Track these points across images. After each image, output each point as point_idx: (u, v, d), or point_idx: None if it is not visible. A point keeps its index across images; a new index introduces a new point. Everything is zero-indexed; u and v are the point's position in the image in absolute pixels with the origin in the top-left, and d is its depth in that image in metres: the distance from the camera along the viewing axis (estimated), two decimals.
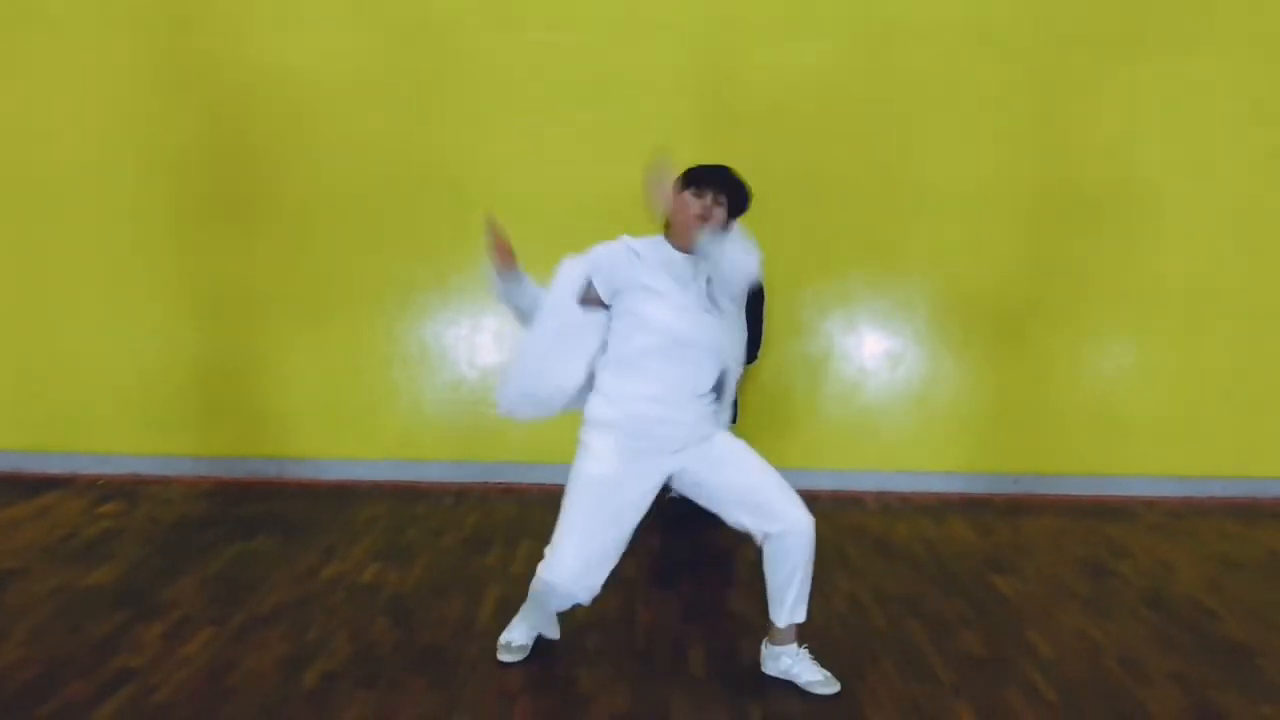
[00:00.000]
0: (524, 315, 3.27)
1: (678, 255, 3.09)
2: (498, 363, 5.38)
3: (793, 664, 3.22)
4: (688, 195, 3.04)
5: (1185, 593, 4.09)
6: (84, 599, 3.72)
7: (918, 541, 4.67)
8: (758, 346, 4.95)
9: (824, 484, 5.43)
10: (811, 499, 5.20)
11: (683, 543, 4.53)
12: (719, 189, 3.05)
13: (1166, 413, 5.44)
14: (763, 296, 4.96)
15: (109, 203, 5.25)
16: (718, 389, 3.19)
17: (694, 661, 3.34)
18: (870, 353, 5.43)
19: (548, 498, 5.13)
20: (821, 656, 3.35)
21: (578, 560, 3.04)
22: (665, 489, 4.60)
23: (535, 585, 3.13)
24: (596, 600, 3.75)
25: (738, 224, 3.08)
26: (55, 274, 5.30)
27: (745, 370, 4.96)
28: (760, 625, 3.61)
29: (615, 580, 4.01)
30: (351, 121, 5.22)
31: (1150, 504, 5.35)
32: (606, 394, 3.11)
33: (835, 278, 5.39)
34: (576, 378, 3.17)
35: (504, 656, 3.31)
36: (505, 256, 3.21)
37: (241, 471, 5.38)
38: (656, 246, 3.11)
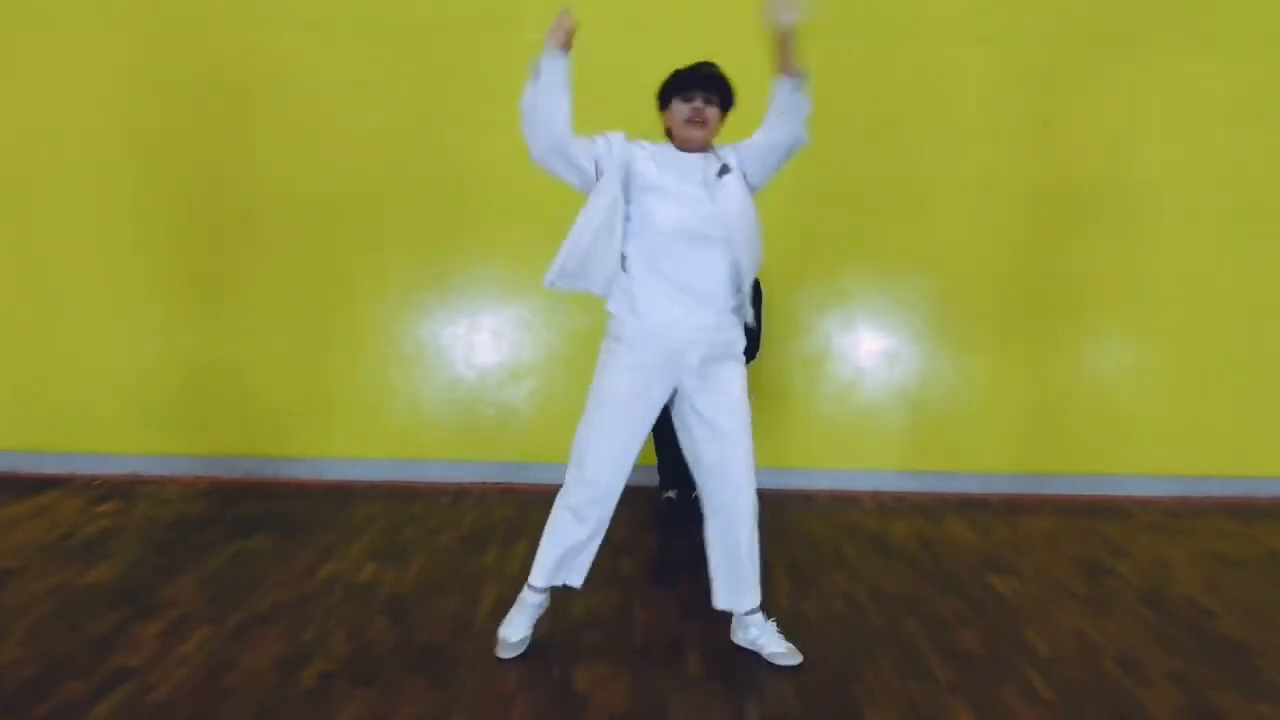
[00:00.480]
0: (548, 96, 3.25)
1: (685, 156, 3.17)
2: (495, 362, 5.39)
3: (759, 634, 3.32)
4: (675, 102, 3.16)
5: (1183, 592, 4.09)
6: (82, 598, 3.72)
7: (915, 541, 4.67)
8: (757, 346, 4.95)
9: (821, 483, 5.43)
10: (808, 499, 5.26)
11: (681, 541, 4.53)
12: (701, 88, 3.14)
13: (1164, 412, 5.45)
14: (761, 296, 4.96)
15: (108, 203, 5.25)
16: (738, 296, 3.22)
17: (692, 661, 3.34)
18: (867, 352, 5.43)
19: (545, 497, 5.12)
20: (818, 655, 3.36)
21: (603, 471, 3.23)
22: (661, 489, 4.60)
23: (556, 517, 3.33)
24: (594, 598, 3.78)
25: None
26: (54, 273, 5.30)
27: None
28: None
29: (613, 579, 4.04)
30: (349, 121, 5.22)
31: (1148, 503, 5.36)
32: (624, 300, 3.20)
33: (832, 277, 5.40)
34: (614, 262, 3.19)
35: (503, 653, 3.32)
36: (568, 36, 3.21)
37: (239, 471, 5.38)
38: (662, 150, 3.20)
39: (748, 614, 3.35)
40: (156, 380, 5.37)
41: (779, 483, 5.40)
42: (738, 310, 3.25)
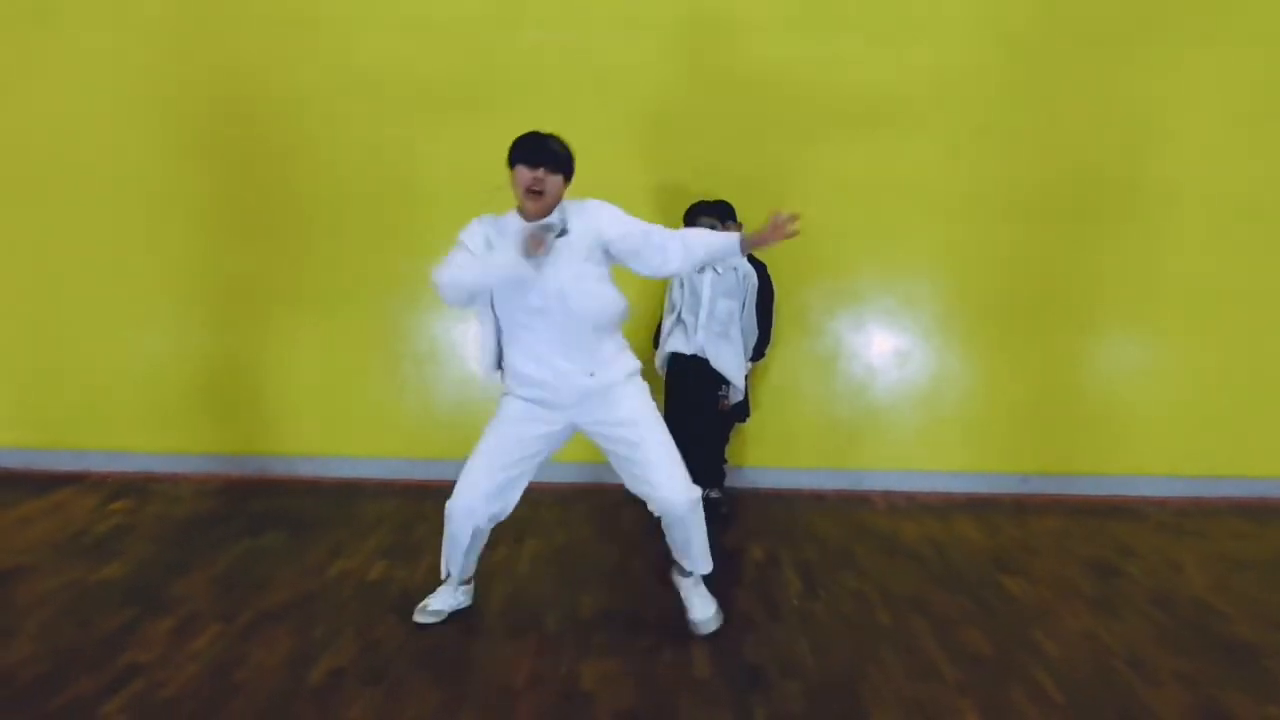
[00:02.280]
0: (488, 284, 3.45)
1: (521, 222, 3.36)
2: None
3: (689, 594, 3.55)
4: (519, 168, 3.32)
5: (1193, 593, 4.07)
6: (94, 595, 3.75)
7: (924, 541, 4.66)
8: (766, 344, 4.96)
9: (831, 483, 5.43)
10: (819, 498, 5.25)
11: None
12: (540, 159, 3.29)
13: (1175, 412, 5.42)
14: (772, 295, 4.96)
15: (121, 203, 5.28)
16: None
17: (699, 660, 3.35)
18: (878, 351, 5.42)
19: (554, 496, 5.16)
20: (826, 653, 3.37)
21: (477, 489, 3.49)
22: None
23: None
24: (602, 597, 3.78)
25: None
26: (68, 273, 5.34)
27: (753, 368, 4.99)
28: (764, 623, 3.63)
29: (622, 578, 4.05)
30: (362, 121, 5.24)
31: (1159, 504, 5.33)
32: (505, 365, 3.52)
33: (843, 276, 5.39)
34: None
35: (420, 618, 3.54)
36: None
37: (250, 469, 5.40)
38: (507, 222, 3.40)
39: (683, 575, 3.57)
40: (169, 379, 5.39)
41: (789, 482, 5.40)
42: (609, 366, 3.43)
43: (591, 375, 3.38)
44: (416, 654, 3.33)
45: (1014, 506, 5.25)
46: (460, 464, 5.35)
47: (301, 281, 5.34)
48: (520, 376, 3.45)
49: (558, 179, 3.33)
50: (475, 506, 3.48)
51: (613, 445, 3.46)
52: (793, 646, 3.46)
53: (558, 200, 3.36)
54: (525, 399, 3.47)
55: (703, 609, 3.55)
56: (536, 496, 5.13)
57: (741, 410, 4.99)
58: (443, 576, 3.64)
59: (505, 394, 3.56)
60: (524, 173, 3.30)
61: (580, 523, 4.78)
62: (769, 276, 4.96)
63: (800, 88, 5.22)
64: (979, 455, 5.46)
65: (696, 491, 3.44)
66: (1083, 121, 5.25)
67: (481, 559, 4.23)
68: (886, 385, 5.44)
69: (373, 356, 5.40)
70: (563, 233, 3.31)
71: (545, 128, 5.14)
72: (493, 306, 3.43)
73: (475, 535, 3.55)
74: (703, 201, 4.69)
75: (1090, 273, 5.34)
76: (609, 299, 3.39)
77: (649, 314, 5.01)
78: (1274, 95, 5.26)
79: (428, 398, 5.43)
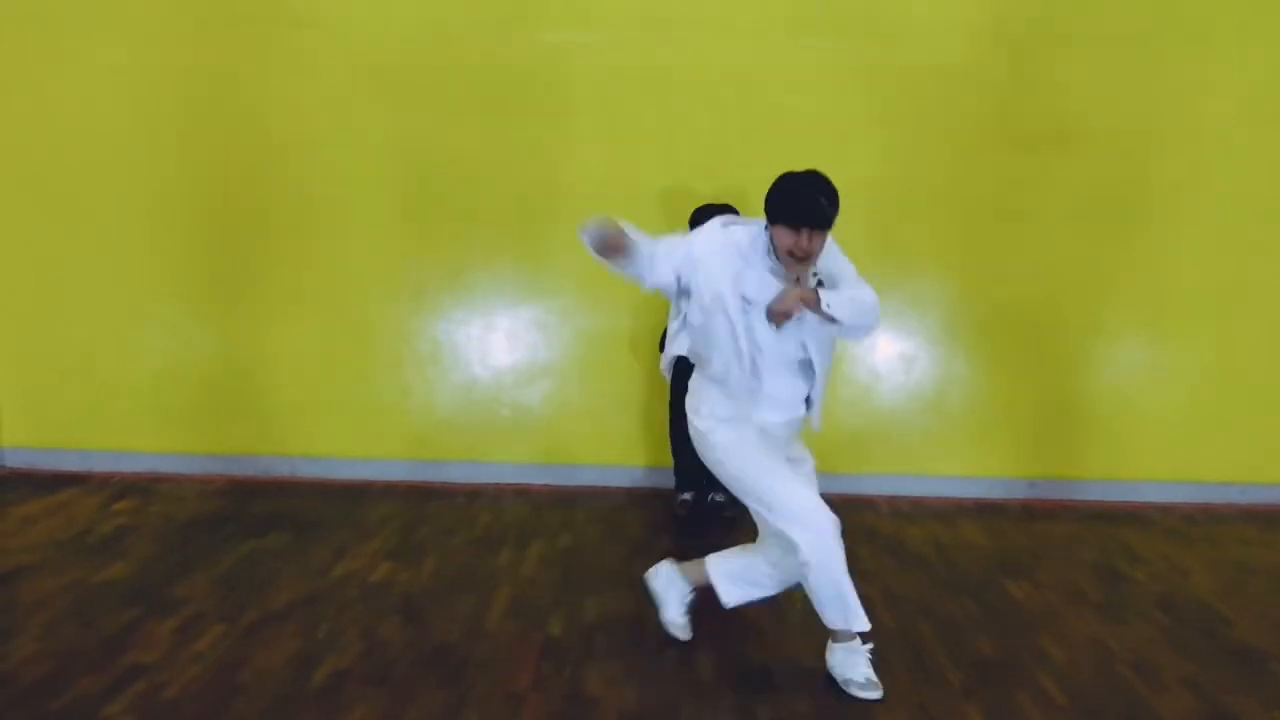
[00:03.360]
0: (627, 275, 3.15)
1: (778, 268, 3.11)
2: (511, 363, 5.39)
3: (841, 661, 3.22)
4: (782, 230, 3.04)
5: (1200, 599, 4.06)
6: (97, 595, 3.74)
7: (930, 545, 4.65)
8: None
9: (836, 487, 5.38)
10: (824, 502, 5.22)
11: (696, 544, 4.51)
12: (808, 222, 3.02)
13: (1184, 417, 5.40)
14: None
15: (125, 204, 5.28)
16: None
17: (703, 663, 3.34)
18: (883, 355, 5.41)
19: (558, 499, 5.16)
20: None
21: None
22: (677, 490, 4.57)
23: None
24: (608, 601, 3.78)
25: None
26: (72, 273, 5.34)
27: None
28: (769, 627, 3.62)
29: (627, 582, 4.03)
30: (367, 122, 5.23)
31: (1166, 509, 5.31)
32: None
33: None
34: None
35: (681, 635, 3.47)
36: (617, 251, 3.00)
37: (254, 470, 5.40)
38: (755, 250, 3.13)
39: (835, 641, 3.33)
40: (173, 379, 5.40)
41: None
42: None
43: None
44: (420, 656, 3.32)
45: (1020, 511, 5.23)
46: (464, 466, 5.40)
47: (306, 283, 5.33)
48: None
49: (823, 236, 3.06)
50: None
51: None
52: (798, 650, 3.45)
53: (819, 256, 3.11)
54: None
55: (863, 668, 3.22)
56: (541, 500, 5.15)
57: None
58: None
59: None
60: (786, 236, 3.02)
61: (585, 526, 4.77)
62: None
63: (805, 88, 5.21)
64: (985, 459, 5.44)
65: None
66: (1092, 123, 5.23)
67: (485, 563, 4.24)
68: (892, 389, 5.43)
69: (377, 358, 5.40)
70: (819, 284, 3.12)
71: (559, 127, 5.22)
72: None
73: None
74: (710, 205, 4.68)
75: (1097, 277, 5.32)
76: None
77: (656, 317, 5.00)
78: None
79: (431, 400, 5.43)
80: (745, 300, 3.07)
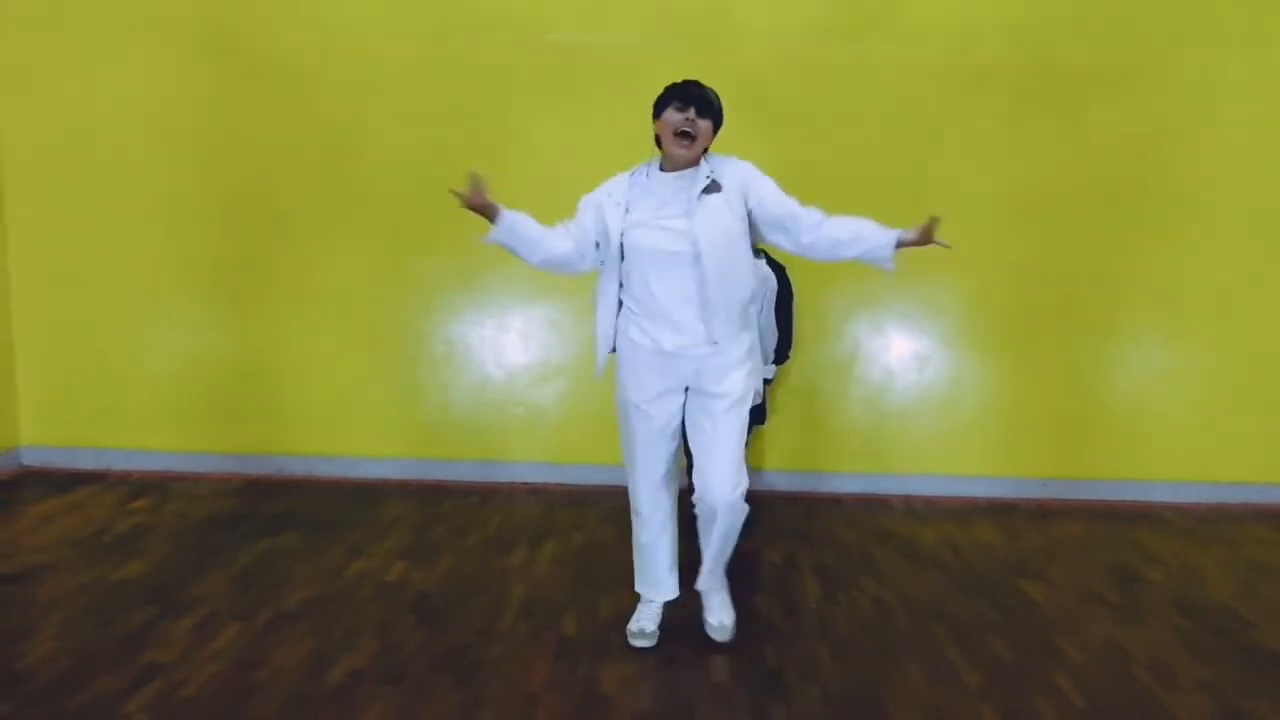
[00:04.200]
0: (527, 251, 3.54)
1: (666, 177, 3.27)
2: (524, 363, 5.40)
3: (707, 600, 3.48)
4: (668, 112, 3.22)
5: (1217, 600, 4.04)
6: (114, 594, 3.76)
7: (944, 545, 4.63)
8: (789, 347, 4.93)
9: (850, 487, 5.41)
10: (837, 502, 5.23)
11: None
12: (691, 102, 3.19)
13: (1199, 416, 5.37)
14: (791, 298, 4.94)
15: (141, 204, 5.31)
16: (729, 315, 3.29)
17: (717, 663, 3.34)
18: (897, 355, 5.40)
19: (572, 498, 5.16)
20: (846, 659, 3.35)
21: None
22: (692, 491, 4.49)
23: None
24: (621, 601, 3.78)
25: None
26: (88, 273, 5.37)
27: (777, 371, 4.97)
28: (783, 628, 3.61)
29: None
30: (380, 123, 5.25)
31: (1182, 509, 5.28)
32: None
33: (862, 280, 5.36)
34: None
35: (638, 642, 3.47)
36: (481, 208, 3.47)
37: (269, 469, 5.42)
38: (639, 178, 3.34)
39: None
40: (189, 379, 5.42)
41: (807, 486, 5.38)
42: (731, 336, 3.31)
43: (715, 343, 3.26)
44: (435, 655, 3.32)
45: (1035, 511, 5.22)
46: (478, 465, 5.41)
47: (321, 284, 5.35)
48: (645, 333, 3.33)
49: (707, 123, 3.21)
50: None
51: (692, 426, 3.37)
52: (812, 651, 3.44)
53: (705, 148, 3.25)
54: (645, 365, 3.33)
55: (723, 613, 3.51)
56: (554, 499, 5.16)
57: (759, 414, 4.97)
58: None
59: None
60: (673, 115, 3.19)
61: (598, 524, 4.78)
62: (789, 279, 4.94)
63: (818, 89, 5.21)
64: (999, 459, 5.43)
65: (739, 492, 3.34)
66: (1105, 125, 5.21)
67: (498, 562, 4.25)
68: (905, 389, 5.42)
69: (390, 357, 5.42)
70: (713, 187, 3.21)
71: (570, 127, 5.23)
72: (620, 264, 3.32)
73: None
74: None
75: (1112, 276, 5.30)
76: (741, 268, 3.29)
77: None
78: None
79: (445, 399, 5.44)
80: (628, 213, 3.27)
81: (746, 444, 5.07)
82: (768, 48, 5.18)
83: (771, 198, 3.27)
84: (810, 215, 3.29)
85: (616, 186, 3.36)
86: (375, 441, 5.46)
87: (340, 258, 5.34)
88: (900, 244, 3.36)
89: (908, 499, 5.34)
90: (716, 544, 3.39)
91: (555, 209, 5.23)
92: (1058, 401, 5.38)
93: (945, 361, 5.39)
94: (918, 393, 5.41)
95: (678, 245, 3.18)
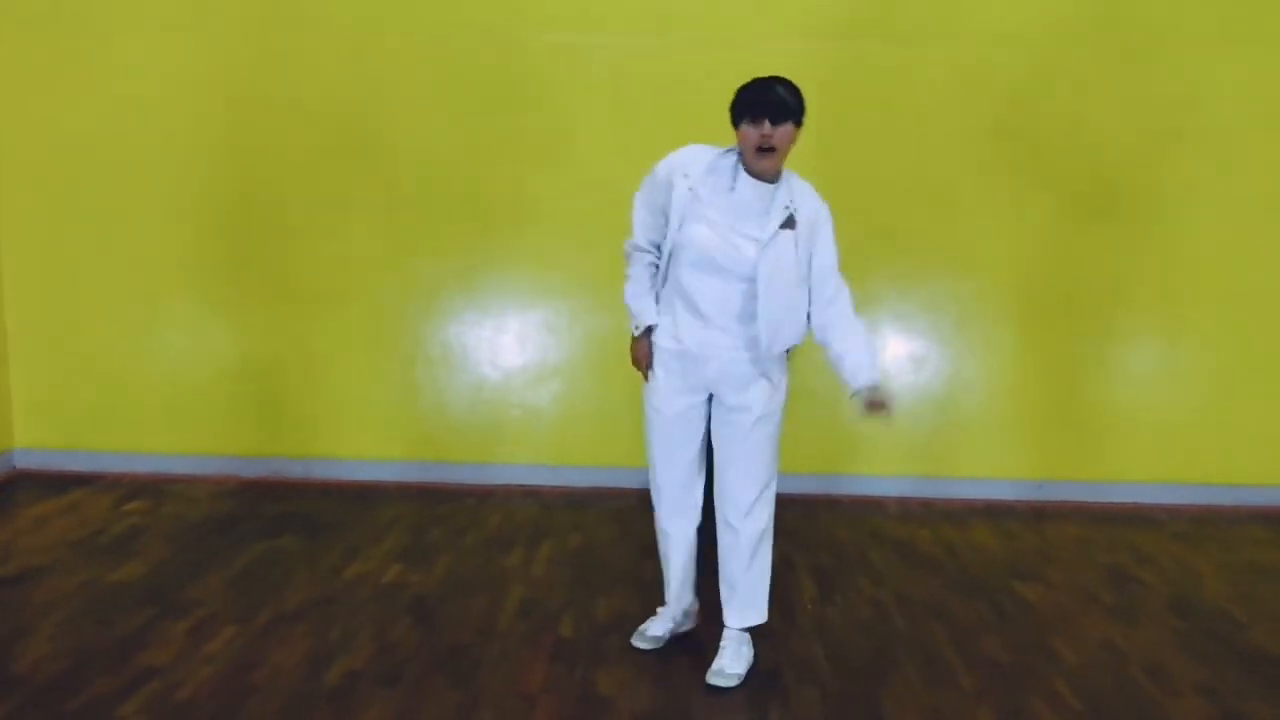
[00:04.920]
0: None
1: (747, 183, 3.09)
2: (521, 364, 5.40)
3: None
4: (743, 127, 3.02)
5: (1213, 601, 4.05)
6: (111, 595, 3.76)
7: (941, 547, 4.64)
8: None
9: (846, 488, 5.41)
10: (833, 503, 5.23)
11: (708, 546, 4.51)
12: (765, 113, 2.99)
13: (1195, 418, 5.38)
14: None
15: (138, 204, 5.29)
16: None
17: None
18: (893, 355, 5.40)
19: (569, 500, 5.16)
20: (843, 659, 3.36)
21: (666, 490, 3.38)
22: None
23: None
24: (619, 602, 3.78)
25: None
26: (84, 274, 5.35)
27: None
28: (780, 629, 3.62)
29: (638, 583, 4.04)
30: (379, 123, 5.24)
31: (1178, 511, 5.30)
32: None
33: (858, 280, 5.33)
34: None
35: (638, 643, 3.46)
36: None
37: (266, 471, 5.41)
38: (723, 168, 3.12)
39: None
40: (185, 380, 5.41)
41: (804, 487, 5.38)
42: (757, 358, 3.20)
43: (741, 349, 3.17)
44: (432, 657, 3.33)
45: (1031, 513, 5.22)
46: (475, 467, 5.41)
47: (318, 285, 5.34)
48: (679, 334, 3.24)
49: (787, 128, 3.00)
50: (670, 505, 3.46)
51: (717, 443, 3.30)
52: (809, 652, 3.45)
53: (788, 153, 3.06)
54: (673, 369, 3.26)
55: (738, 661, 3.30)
56: (551, 500, 5.16)
57: None
58: None
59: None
60: (749, 131, 2.99)
61: (596, 526, 4.78)
62: None
63: (819, 89, 5.19)
64: (995, 461, 5.43)
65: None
66: (1102, 124, 5.22)
67: (496, 564, 4.25)
68: (901, 390, 5.42)
69: (388, 360, 5.41)
70: (789, 223, 3.07)
71: (569, 129, 5.23)
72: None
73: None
74: None
75: (1108, 277, 5.31)
76: (801, 312, 3.21)
77: None
78: None
79: (442, 401, 5.44)
80: (697, 201, 3.08)
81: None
82: (763, 49, 5.18)
83: (822, 258, 3.19)
84: (834, 296, 3.25)
85: (694, 165, 3.12)
86: (372, 443, 5.45)
87: (337, 259, 5.33)
88: (858, 392, 3.26)
89: (903, 500, 5.35)
90: (730, 575, 3.28)
91: (559, 211, 5.27)
92: (1054, 403, 5.39)
93: (941, 363, 5.40)
94: (913, 394, 5.42)
95: (737, 267, 3.06)
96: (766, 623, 3.40)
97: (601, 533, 4.68)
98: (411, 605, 3.75)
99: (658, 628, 3.49)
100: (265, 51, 5.21)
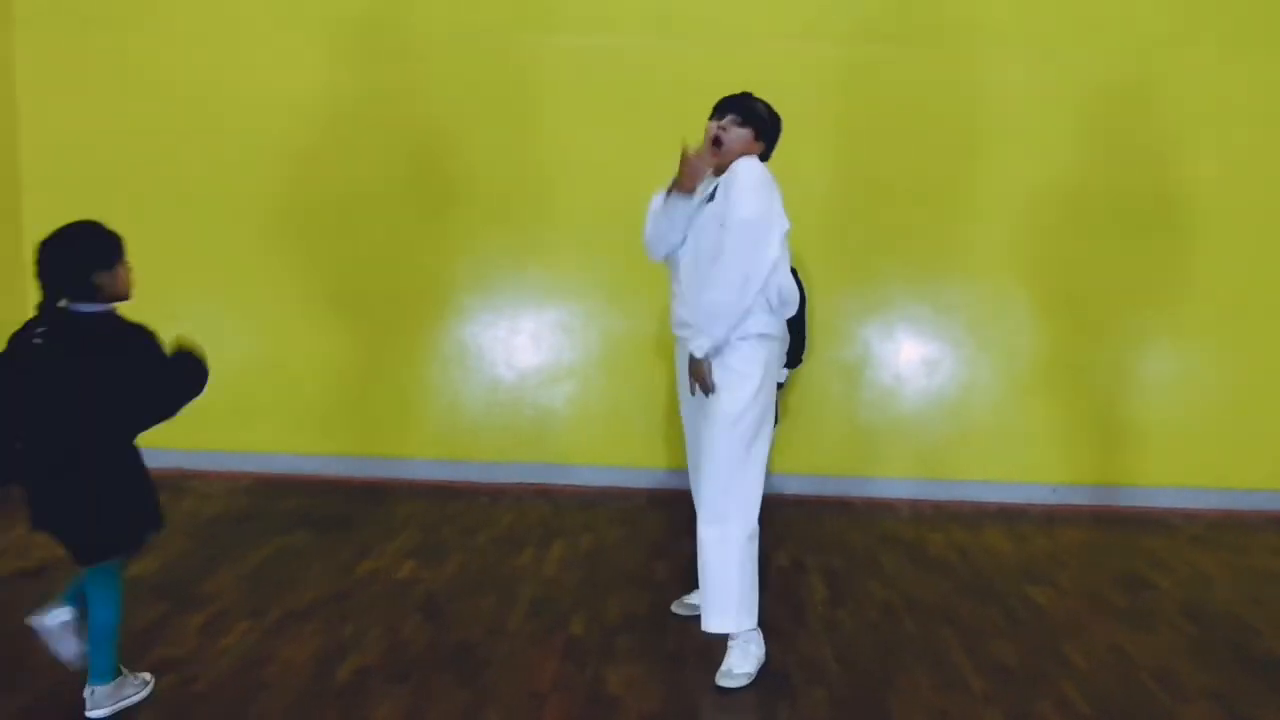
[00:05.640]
0: (669, 225, 3.32)
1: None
2: (535, 365, 5.42)
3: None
4: (709, 122, 3.27)
5: (1225, 607, 4.03)
6: (127, 590, 3.75)
7: (952, 550, 4.64)
8: (802, 349, 4.93)
9: (859, 491, 5.41)
10: (844, 505, 5.23)
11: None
12: (729, 110, 3.26)
13: (1209, 423, 5.36)
14: (805, 302, 4.95)
15: (150, 203, 5.34)
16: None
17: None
18: (907, 359, 5.40)
19: (581, 499, 5.18)
20: (852, 661, 3.36)
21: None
22: None
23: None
24: (629, 602, 3.79)
25: (753, 170, 3.16)
26: None
27: (789, 375, 4.97)
28: (788, 629, 3.62)
29: (648, 583, 4.05)
30: (394, 124, 5.28)
31: (1191, 516, 5.27)
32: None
33: (872, 284, 5.38)
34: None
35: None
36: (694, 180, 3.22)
37: (281, 468, 5.45)
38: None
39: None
40: None
41: (815, 489, 5.39)
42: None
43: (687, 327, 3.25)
44: (443, 655, 3.35)
45: (1043, 517, 5.21)
46: (488, 466, 5.44)
47: (333, 284, 5.38)
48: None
49: (744, 131, 3.24)
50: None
51: (690, 434, 3.44)
52: (818, 654, 3.45)
53: (738, 155, 3.22)
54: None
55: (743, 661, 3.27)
56: (563, 500, 5.17)
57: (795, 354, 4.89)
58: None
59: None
60: (709, 126, 3.26)
61: (606, 526, 4.80)
62: (801, 281, 4.95)
63: (828, 92, 5.21)
64: (1008, 465, 5.42)
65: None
66: (1114, 129, 5.21)
67: (507, 562, 4.26)
68: (914, 393, 5.42)
69: (402, 358, 5.44)
70: (712, 195, 3.20)
71: (582, 130, 5.24)
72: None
73: None
74: None
75: (1122, 281, 5.30)
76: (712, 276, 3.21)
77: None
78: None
79: (456, 401, 5.47)
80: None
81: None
82: (766, 50, 5.19)
83: (730, 221, 3.08)
84: (732, 250, 3.09)
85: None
86: (386, 441, 5.49)
87: (353, 259, 5.37)
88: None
89: (916, 503, 5.34)
90: (700, 578, 3.26)
91: (573, 213, 5.29)
92: (1067, 407, 5.38)
93: (954, 366, 5.40)
94: (927, 397, 5.42)
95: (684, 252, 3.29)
96: (777, 623, 3.40)
97: (612, 533, 4.70)
98: (422, 603, 3.77)
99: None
100: (276, 52, 5.25)
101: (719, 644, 3.41)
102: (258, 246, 5.38)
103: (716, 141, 3.22)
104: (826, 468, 5.43)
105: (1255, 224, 5.24)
